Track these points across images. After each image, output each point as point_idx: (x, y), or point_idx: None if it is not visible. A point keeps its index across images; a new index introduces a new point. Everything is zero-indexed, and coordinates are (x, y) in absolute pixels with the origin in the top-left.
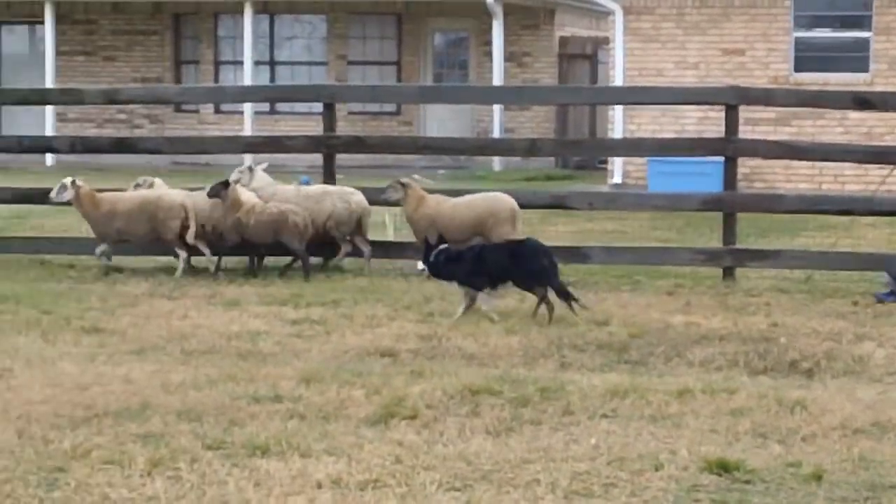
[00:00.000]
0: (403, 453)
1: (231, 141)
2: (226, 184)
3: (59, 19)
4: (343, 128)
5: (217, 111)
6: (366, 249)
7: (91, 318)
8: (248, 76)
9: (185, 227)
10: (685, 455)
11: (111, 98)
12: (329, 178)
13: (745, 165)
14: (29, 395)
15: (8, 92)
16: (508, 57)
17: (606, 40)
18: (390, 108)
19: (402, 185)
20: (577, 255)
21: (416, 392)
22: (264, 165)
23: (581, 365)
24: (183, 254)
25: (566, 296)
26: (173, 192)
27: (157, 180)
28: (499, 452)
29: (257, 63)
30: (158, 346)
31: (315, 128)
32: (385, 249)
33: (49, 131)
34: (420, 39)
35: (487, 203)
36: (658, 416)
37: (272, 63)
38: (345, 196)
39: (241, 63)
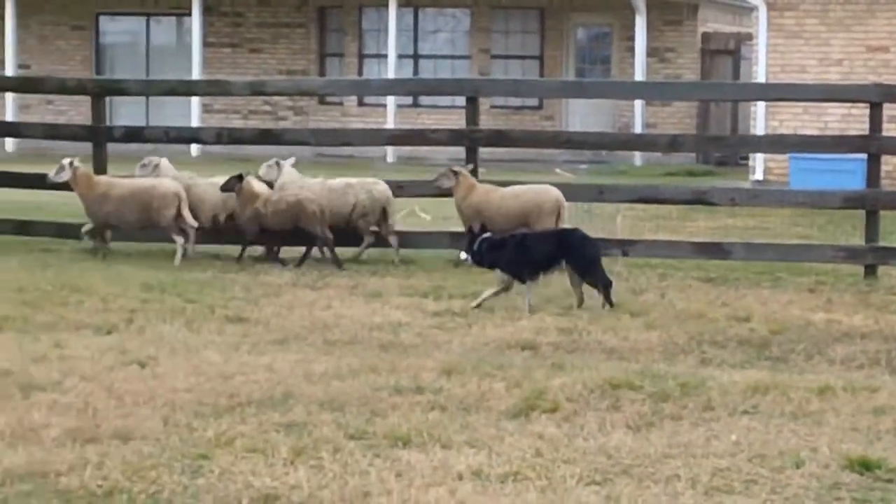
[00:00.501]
0: (544, 446)
1: (375, 134)
2: (240, 177)
3: (207, 11)
4: (485, 121)
5: (360, 104)
6: (393, 239)
7: (235, 308)
8: (391, 69)
9: (179, 215)
10: (826, 453)
11: (257, 90)
12: (471, 171)
13: (888, 163)
14: (173, 384)
15: (156, 83)
16: (651, 52)
17: (749, 36)
18: (532, 102)
19: (454, 173)
20: (718, 251)
21: (557, 385)
22: (292, 160)
23: (721, 361)
24: (180, 239)
25: (606, 286)
26: (167, 181)
27: (163, 161)
28: (639, 447)
29: (401, 56)
30: (301, 335)
31: (456, 121)
32: None
33: (195, 122)
34: (563, 34)
35: (534, 195)
36: (799, 414)
37: (415, 56)
38: (368, 187)
39: (385, 56)
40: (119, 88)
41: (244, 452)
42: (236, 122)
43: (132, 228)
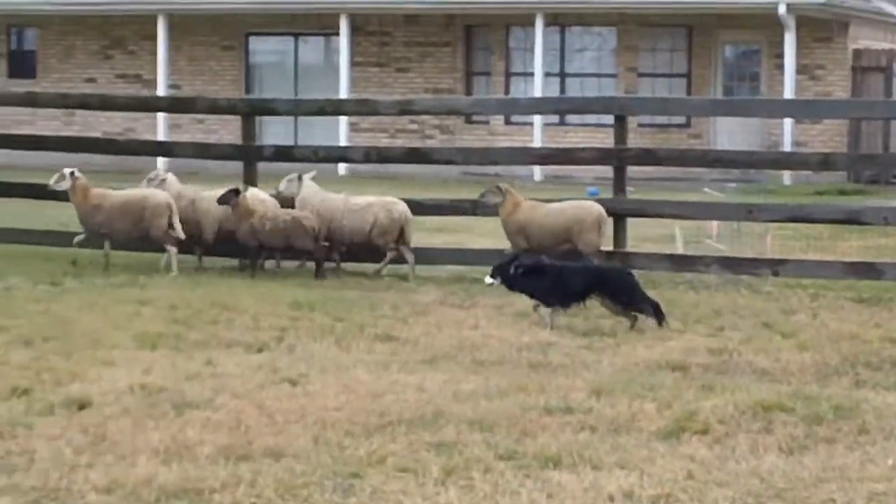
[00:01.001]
0: (695, 468)
1: (524, 152)
2: (236, 191)
3: (354, 31)
4: (631, 139)
5: (507, 122)
6: (409, 257)
7: (384, 326)
8: (538, 88)
9: (171, 225)
10: None
11: (405, 109)
12: (619, 190)
13: None
14: (324, 402)
15: (305, 103)
16: (800, 69)
17: None
18: (679, 120)
19: (501, 189)
20: (870, 270)
21: (708, 407)
22: (312, 174)
23: (876, 383)
24: (173, 249)
25: (655, 309)
26: (158, 192)
27: (169, 175)
28: (792, 470)
29: (547, 75)
30: (450, 355)
31: (603, 139)
32: (676, 262)
33: (342, 141)
34: (710, 51)
35: (574, 210)
36: None
37: (562, 75)
38: (388, 206)
39: (532, 75)
40: (269, 108)
41: (395, 472)
42: (383, 141)
43: (125, 239)
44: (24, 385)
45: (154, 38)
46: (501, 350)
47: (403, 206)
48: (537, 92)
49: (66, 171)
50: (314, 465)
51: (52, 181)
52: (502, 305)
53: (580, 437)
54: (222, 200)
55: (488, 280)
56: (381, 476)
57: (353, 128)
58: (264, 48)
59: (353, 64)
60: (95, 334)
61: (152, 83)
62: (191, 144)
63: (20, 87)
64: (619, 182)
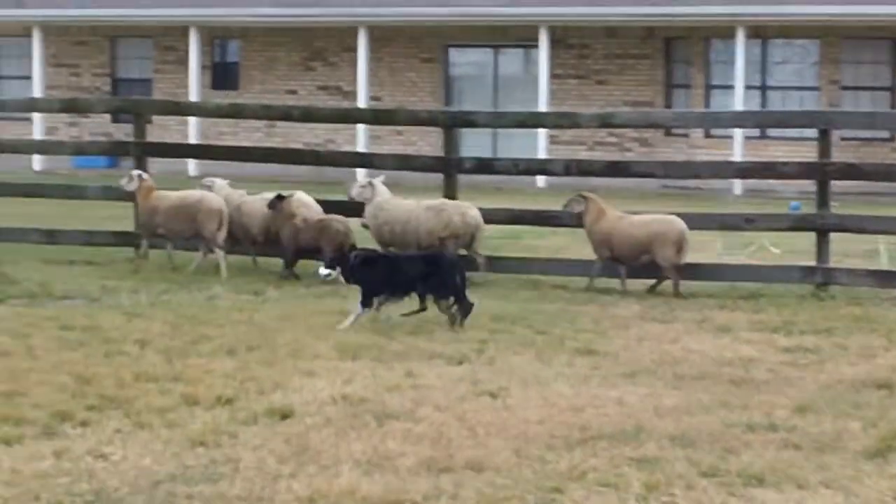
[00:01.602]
0: None
1: (725, 166)
2: (281, 197)
3: (554, 43)
4: (834, 154)
5: (707, 135)
6: (480, 260)
7: (584, 340)
8: (738, 101)
9: (220, 228)
10: None
11: (605, 122)
12: (823, 204)
13: None
14: (525, 415)
15: (506, 115)
16: None
17: None
18: (883, 134)
19: (584, 198)
20: None
21: None
22: (382, 178)
23: None
24: (220, 252)
25: (465, 311)
26: (213, 196)
27: (219, 181)
28: None
29: (748, 87)
30: (650, 369)
31: (804, 153)
32: (880, 278)
33: (541, 153)
34: None
35: (657, 224)
36: None
37: (763, 88)
38: (461, 210)
39: (732, 87)
40: (469, 120)
41: (597, 486)
42: (582, 154)
43: (179, 238)
44: (228, 394)
45: (354, 49)
46: (702, 365)
47: (476, 212)
48: (738, 105)
49: (135, 172)
50: (516, 478)
51: (122, 181)
52: (703, 320)
53: (784, 456)
54: (270, 206)
55: (324, 271)
56: (583, 491)
57: (552, 140)
58: (464, 60)
59: (553, 76)
60: (297, 344)
61: (352, 95)
62: (391, 156)
63: (223, 98)
64: (823, 196)
